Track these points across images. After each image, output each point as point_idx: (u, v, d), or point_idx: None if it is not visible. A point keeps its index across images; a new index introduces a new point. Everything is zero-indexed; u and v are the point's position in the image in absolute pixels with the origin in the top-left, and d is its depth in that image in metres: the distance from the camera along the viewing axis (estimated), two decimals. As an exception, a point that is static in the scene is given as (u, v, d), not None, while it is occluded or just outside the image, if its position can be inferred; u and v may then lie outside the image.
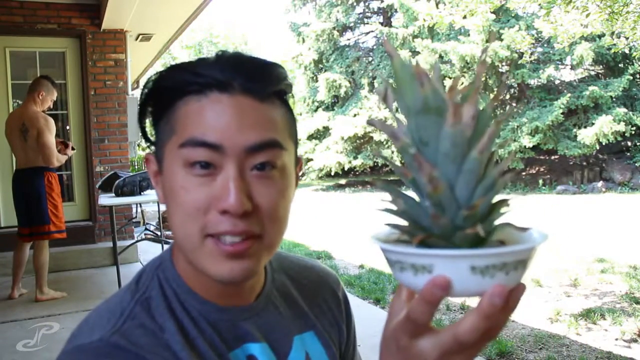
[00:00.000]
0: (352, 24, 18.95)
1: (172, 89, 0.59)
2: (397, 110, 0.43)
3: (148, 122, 0.64)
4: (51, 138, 4.10)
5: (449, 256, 0.38)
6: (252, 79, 0.57)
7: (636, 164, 12.94)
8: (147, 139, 0.65)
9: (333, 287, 0.80)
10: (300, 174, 0.68)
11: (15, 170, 4.26)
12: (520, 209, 9.61)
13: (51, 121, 4.14)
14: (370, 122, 0.43)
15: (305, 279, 0.77)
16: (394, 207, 0.42)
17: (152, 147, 0.64)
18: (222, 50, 0.61)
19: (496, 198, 0.41)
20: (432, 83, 0.38)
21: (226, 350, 0.61)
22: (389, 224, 0.44)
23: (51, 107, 4.37)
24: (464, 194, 0.40)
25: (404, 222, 0.43)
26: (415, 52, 14.97)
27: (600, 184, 12.98)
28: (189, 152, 0.56)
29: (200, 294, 0.63)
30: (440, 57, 14.40)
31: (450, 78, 13.99)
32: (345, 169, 16.63)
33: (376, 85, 17.01)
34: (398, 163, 0.43)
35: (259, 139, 0.56)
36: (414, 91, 0.39)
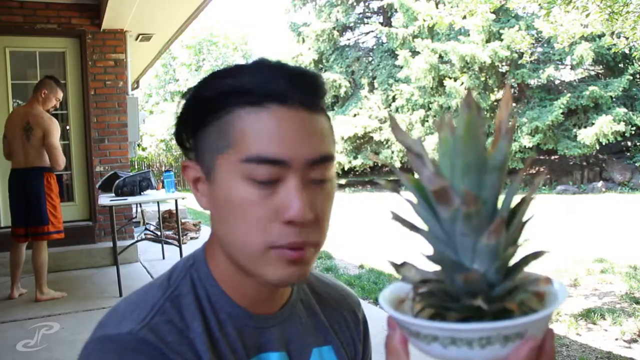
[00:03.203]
0: (352, 24, 18.94)
1: (223, 97, 0.58)
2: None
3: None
4: (58, 140, 4.09)
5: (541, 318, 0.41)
6: (309, 92, 0.59)
7: (636, 164, 12.94)
8: (182, 145, 0.65)
9: (354, 306, 0.80)
10: None
11: (12, 170, 4.14)
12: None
13: (56, 123, 4.11)
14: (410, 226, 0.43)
15: (327, 294, 0.78)
16: (440, 286, 0.42)
17: (190, 154, 0.64)
18: (261, 58, 0.61)
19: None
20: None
21: (245, 357, 0.62)
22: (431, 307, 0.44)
23: (57, 106, 4.35)
24: (495, 278, 0.42)
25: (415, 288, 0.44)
26: (415, 52, 14.96)
27: (600, 184, 12.98)
28: (254, 168, 0.56)
29: (233, 297, 0.64)
30: (440, 57, 14.40)
31: (450, 78, 14.00)
32: (345, 169, 16.62)
33: (376, 85, 17.01)
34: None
35: (318, 153, 0.58)
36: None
